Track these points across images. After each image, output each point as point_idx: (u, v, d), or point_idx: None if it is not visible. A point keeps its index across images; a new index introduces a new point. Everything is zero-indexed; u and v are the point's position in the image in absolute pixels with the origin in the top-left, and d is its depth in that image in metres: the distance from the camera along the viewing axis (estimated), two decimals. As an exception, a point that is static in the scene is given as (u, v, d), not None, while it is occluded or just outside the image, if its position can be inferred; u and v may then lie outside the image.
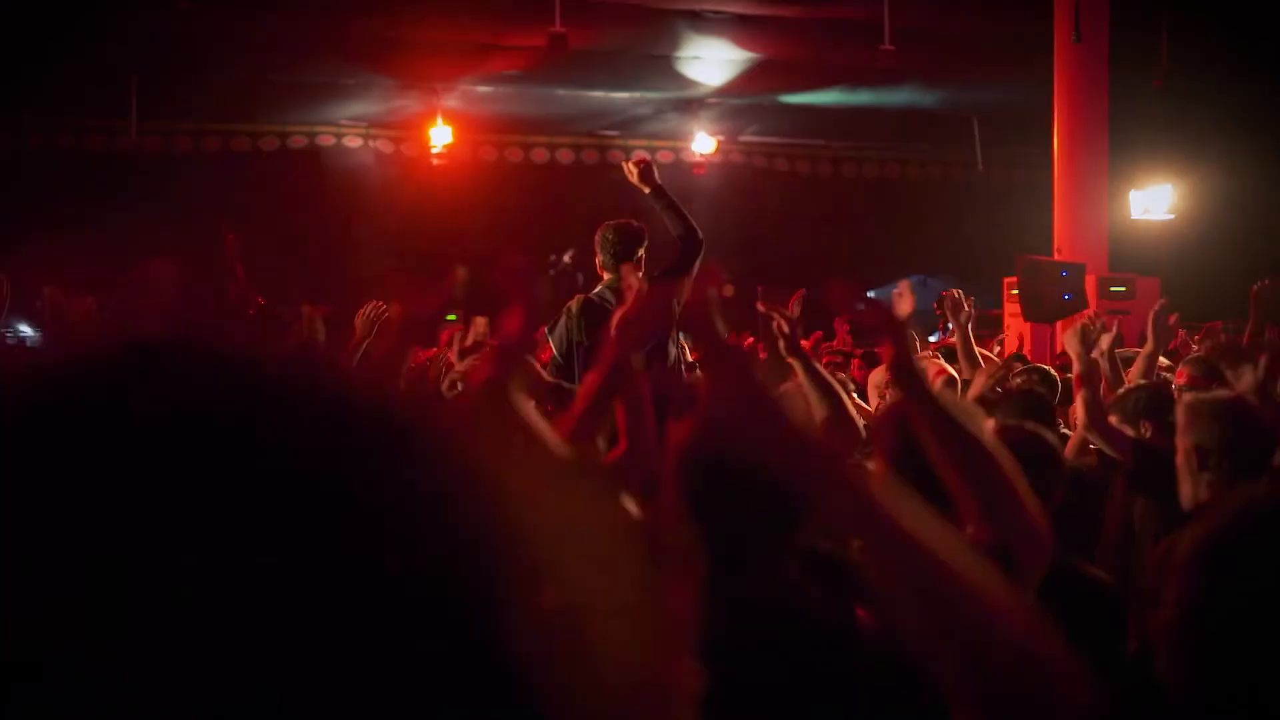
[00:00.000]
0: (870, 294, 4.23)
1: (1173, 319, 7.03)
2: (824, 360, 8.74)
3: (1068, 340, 5.22)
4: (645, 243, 6.21)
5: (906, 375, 2.27)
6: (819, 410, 4.70)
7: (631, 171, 6.15)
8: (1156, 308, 6.53)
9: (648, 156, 6.16)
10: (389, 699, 0.54)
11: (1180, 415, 3.94)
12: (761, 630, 2.24)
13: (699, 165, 22.67)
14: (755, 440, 1.45)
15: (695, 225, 6.29)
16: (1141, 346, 6.63)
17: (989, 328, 16.32)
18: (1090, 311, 7.69)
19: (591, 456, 2.41)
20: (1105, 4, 14.63)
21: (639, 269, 4.73)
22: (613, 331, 2.92)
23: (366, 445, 0.58)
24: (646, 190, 6.36)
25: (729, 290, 3.37)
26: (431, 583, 0.56)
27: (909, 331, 2.29)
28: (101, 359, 0.58)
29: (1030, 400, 4.87)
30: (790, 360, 4.70)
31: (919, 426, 2.27)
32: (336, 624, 0.54)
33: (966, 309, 6.39)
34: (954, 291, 6.68)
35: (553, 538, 0.60)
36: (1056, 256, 14.38)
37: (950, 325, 7.11)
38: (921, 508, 1.44)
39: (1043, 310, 12.95)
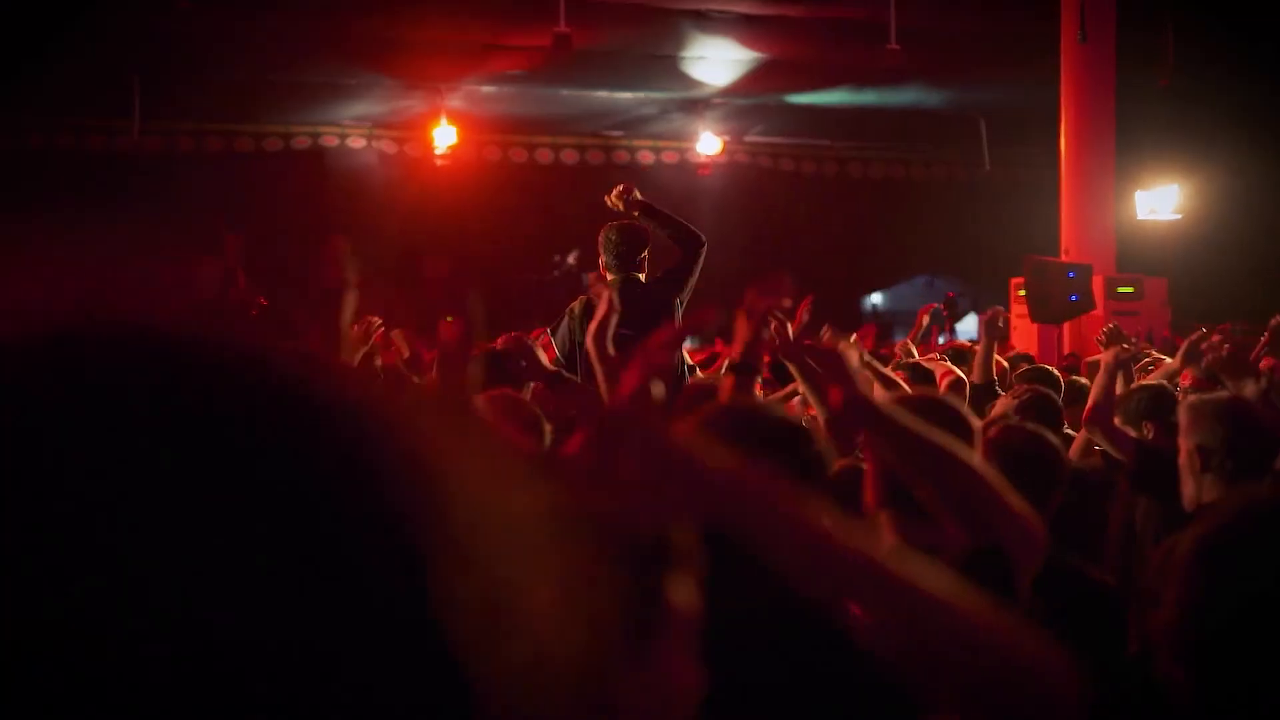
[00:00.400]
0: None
1: (1206, 345, 7.00)
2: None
3: (1106, 365, 5.18)
4: (649, 244, 6.23)
5: (861, 414, 2.28)
6: (819, 414, 4.71)
7: (616, 204, 6.16)
8: (1194, 336, 6.51)
9: (622, 185, 6.17)
10: (314, 675, 0.55)
11: (1182, 416, 3.96)
12: (765, 630, 2.25)
13: (704, 166, 22.68)
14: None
15: (692, 227, 6.31)
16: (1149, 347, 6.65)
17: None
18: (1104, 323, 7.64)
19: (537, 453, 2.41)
20: (1112, 4, 14.64)
21: (604, 279, 4.73)
22: (589, 341, 2.92)
23: (289, 417, 0.59)
24: (635, 214, 6.37)
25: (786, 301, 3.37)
26: (357, 555, 0.57)
27: (855, 372, 2.29)
28: (18, 347, 0.59)
29: (1038, 402, 4.88)
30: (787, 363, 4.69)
31: (886, 454, 2.29)
32: (255, 598, 0.55)
33: (1000, 325, 6.48)
34: (998, 311, 6.77)
35: (489, 524, 0.61)
36: (1063, 257, 14.39)
37: (954, 327, 7.13)
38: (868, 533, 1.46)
39: (1050, 311, 12.97)
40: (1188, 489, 3.88)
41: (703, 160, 22.52)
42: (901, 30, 16.74)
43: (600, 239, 6.18)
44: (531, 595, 0.62)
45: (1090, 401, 5.02)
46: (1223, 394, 4.42)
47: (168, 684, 0.53)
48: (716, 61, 19.53)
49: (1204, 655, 1.85)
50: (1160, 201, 14.79)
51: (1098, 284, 13.60)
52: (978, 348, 7.14)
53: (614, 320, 4.49)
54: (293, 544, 0.56)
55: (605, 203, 6.39)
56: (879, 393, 4.46)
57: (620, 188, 6.19)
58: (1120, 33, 14.73)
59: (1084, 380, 6.87)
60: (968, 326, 20.87)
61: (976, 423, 2.88)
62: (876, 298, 25.59)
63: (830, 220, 23.24)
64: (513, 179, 21.76)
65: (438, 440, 0.63)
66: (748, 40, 18.55)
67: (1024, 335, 14.10)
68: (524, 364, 4.54)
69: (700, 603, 1.48)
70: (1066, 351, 12.87)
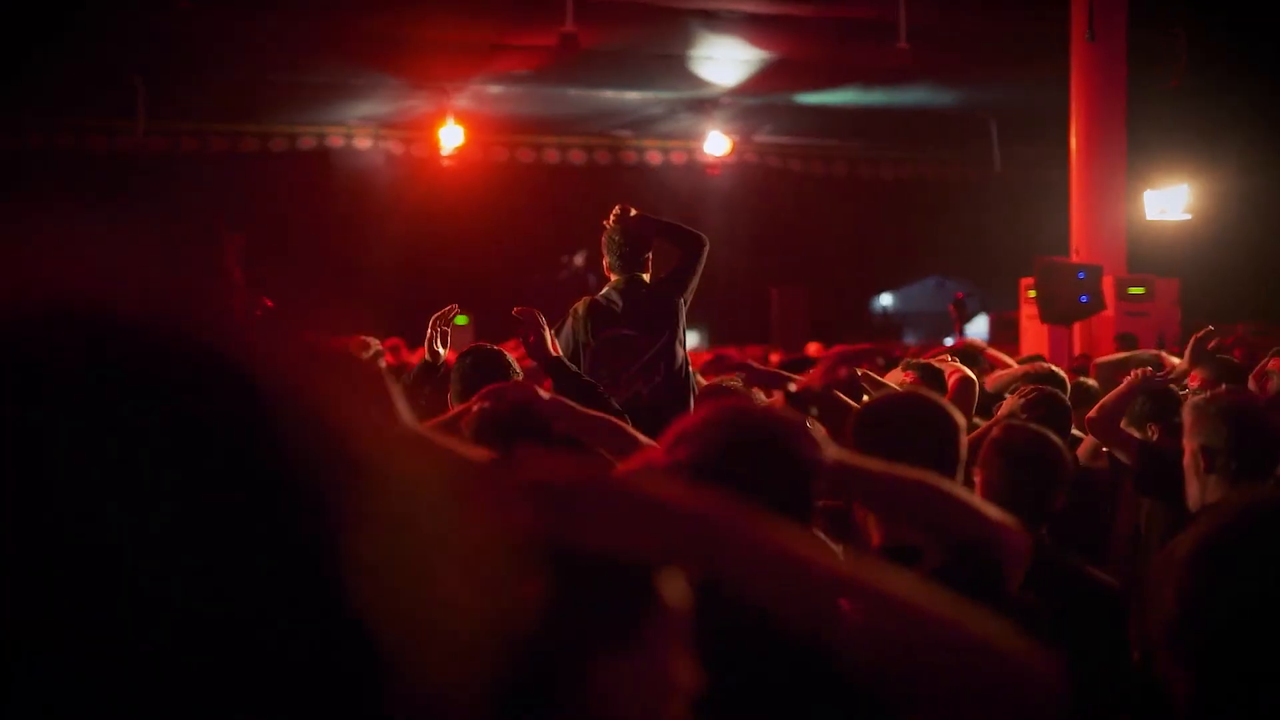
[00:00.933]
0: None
1: (1213, 344, 6.99)
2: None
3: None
4: (652, 243, 6.24)
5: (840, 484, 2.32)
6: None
7: (614, 227, 6.19)
8: (1201, 334, 6.52)
9: (618, 207, 6.20)
10: (223, 627, 0.58)
11: (1187, 416, 3.96)
12: (765, 635, 2.27)
13: (713, 166, 22.71)
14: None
15: (691, 228, 6.32)
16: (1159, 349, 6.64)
17: (1007, 329, 16.35)
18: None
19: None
20: (1123, 3, 14.64)
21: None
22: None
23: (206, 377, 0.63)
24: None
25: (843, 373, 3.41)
26: (265, 514, 0.60)
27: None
28: None
29: (1045, 401, 4.88)
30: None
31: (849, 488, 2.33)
32: (167, 550, 0.58)
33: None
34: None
35: (400, 492, 0.64)
36: (1073, 258, 14.38)
37: (963, 328, 7.12)
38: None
39: (1059, 312, 12.97)
40: (1192, 490, 3.89)
41: (711, 160, 22.52)
42: (911, 29, 16.74)
43: (603, 240, 6.19)
44: (439, 564, 0.65)
45: (1099, 405, 5.04)
46: (1227, 393, 4.43)
47: (85, 632, 0.57)
48: (725, 61, 19.53)
49: (1202, 656, 1.85)
50: (1170, 201, 14.77)
51: (1108, 285, 13.59)
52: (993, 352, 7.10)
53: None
54: (203, 496, 0.59)
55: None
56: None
57: (616, 211, 6.20)
58: (1130, 32, 14.73)
59: (1091, 382, 6.88)
60: (979, 328, 20.90)
61: (960, 419, 2.90)
62: (886, 299, 25.60)
63: (839, 221, 23.26)
64: (520, 179, 21.81)
65: (353, 414, 0.66)
66: (756, 39, 18.55)
67: (1034, 336, 14.09)
68: (531, 339, 4.61)
69: (691, 599, 1.51)
70: (1077, 353, 12.86)
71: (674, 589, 1.50)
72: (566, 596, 1.43)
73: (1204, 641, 1.85)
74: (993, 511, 2.32)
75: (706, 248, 6.18)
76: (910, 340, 19.96)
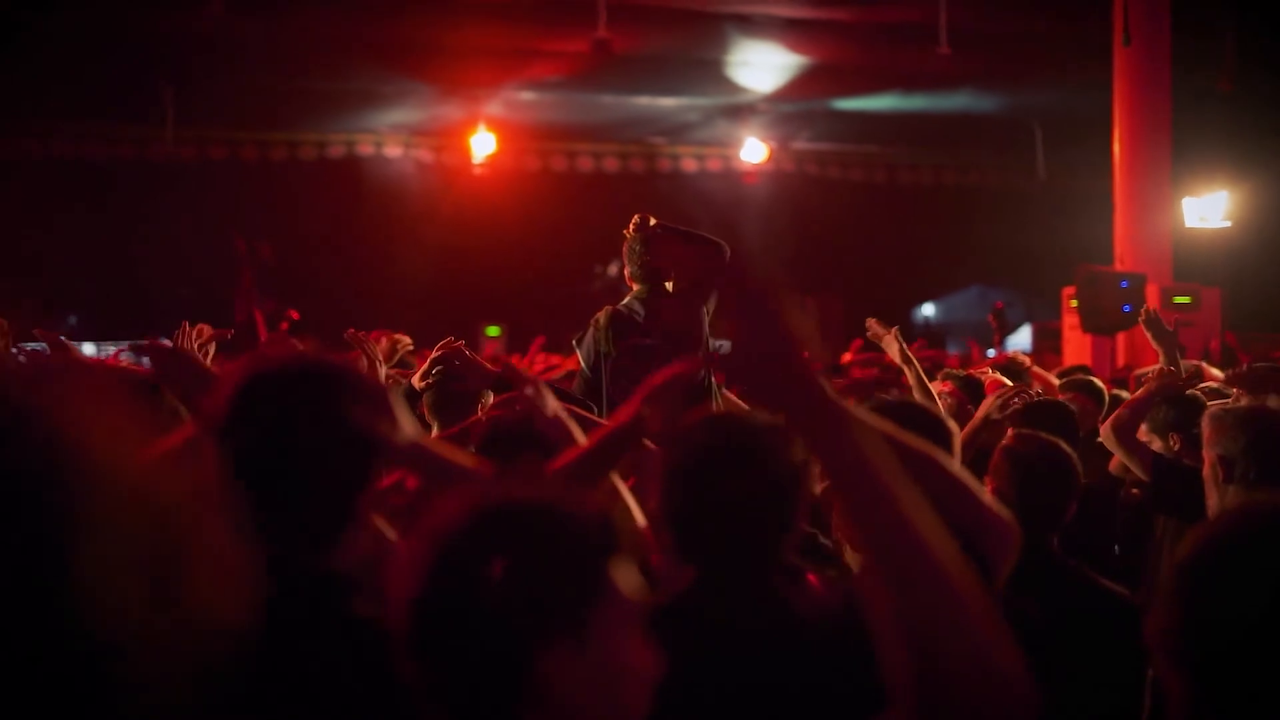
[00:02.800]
0: None
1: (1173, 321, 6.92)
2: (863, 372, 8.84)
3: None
4: (674, 252, 6.33)
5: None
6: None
7: (635, 236, 6.29)
8: (1144, 317, 6.41)
9: (637, 217, 6.30)
10: None
11: (1205, 427, 4.00)
12: (749, 646, 2.35)
13: (749, 173, 22.76)
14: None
15: (712, 236, 6.40)
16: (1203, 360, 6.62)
17: (1050, 339, 16.32)
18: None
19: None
20: (1166, 6, 14.60)
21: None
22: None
23: None
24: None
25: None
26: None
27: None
28: None
29: (1050, 411, 4.91)
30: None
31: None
32: None
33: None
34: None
35: (138, 503, 0.72)
36: (1117, 266, 14.36)
37: (1003, 339, 7.13)
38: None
39: (1102, 322, 12.95)
40: (1211, 500, 3.94)
41: (748, 168, 22.60)
42: (952, 33, 16.75)
43: (624, 249, 6.29)
44: (183, 567, 0.72)
45: (1117, 414, 5.08)
46: (1245, 403, 4.47)
47: None
48: (761, 66, 19.58)
49: (1199, 662, 1.90)
50: (1209, 209, 14.71)
51: (1153, 293, 13.55)
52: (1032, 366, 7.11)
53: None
54: None
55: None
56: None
57: (636, 219, 6.31)
58: (1174, 36, 14.69)
59: (1124, 394, 6.90)
60: (1021, 339, 20.85)
61: (954, 426, 2.98)
62: (928, 309, 25.55)
63: (879, 229, 23.23)
64: (553, 188, 21.87)
65: (88, 430, 0.74)
66: (793, 44, 18.58)
67: (1077, 347, 14.07)
68: (458, 364, 4.59)
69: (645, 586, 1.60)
70: (1120, 364, 12.85)
71: (627, 578, 1.59)
72: (518, 586, 1.53)
73: (1201, 648, 1.90)
74: (988, 498, 2.39)
75: (728, 254, 6.27)
76: (952, 350, 19.93)
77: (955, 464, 2.42)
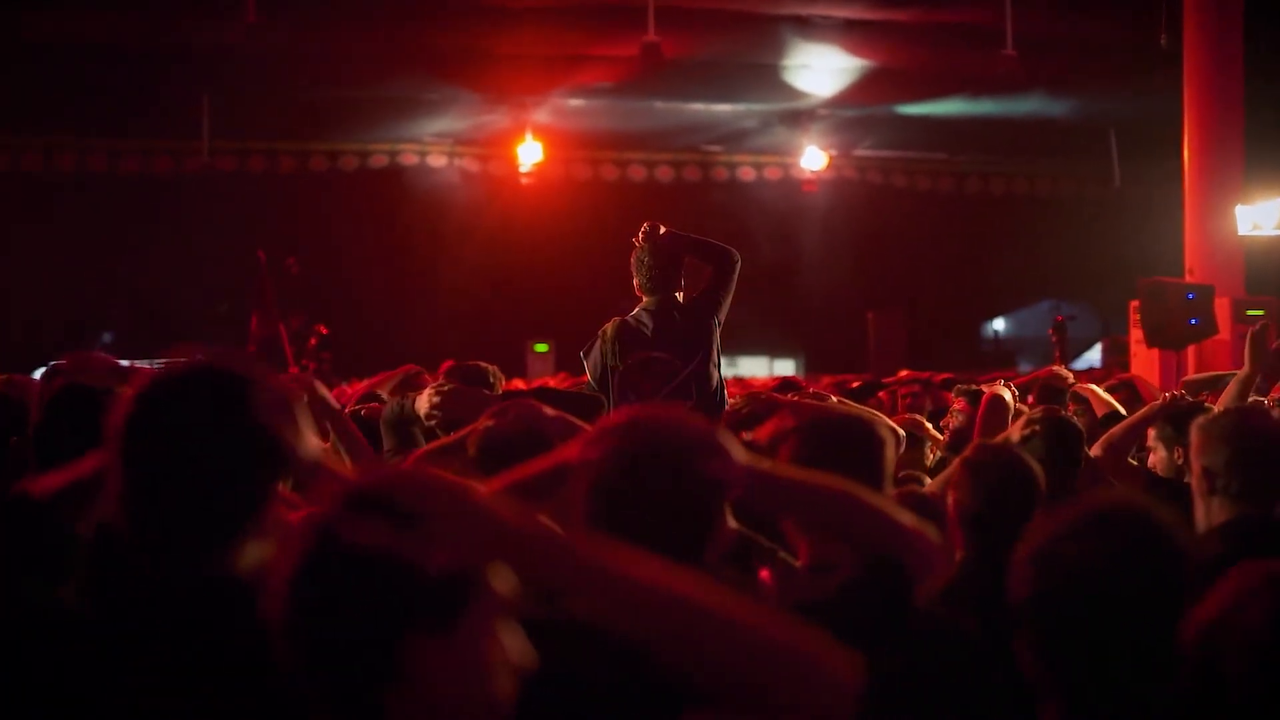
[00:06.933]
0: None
1: (1276, 344, 7.09)
2: (902, 391, 8.99)
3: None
4: (683, 261, 6.53)
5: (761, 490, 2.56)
6: None
7: (643, 246, 6.51)
8: (1256, 327, 6.57)
9: (647, 225, 6.53)
10: None
11: (1193, 436, 4.11)
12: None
13: (809, 182, 22.85)
14: None
15: (722, 245, 6.58)
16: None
17: (1121, 354, 16.27)
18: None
19: None
20: (1239, 9, 14.60)
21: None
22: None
23: None
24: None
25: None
26: None
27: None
28: None
29: (1058, 428, 5.01)
30: None
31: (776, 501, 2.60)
32: None
33: None
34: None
35: None
36: (1187, 277, 14.36)
37: (1065, 352, 7.20)
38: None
39: (1167, 336, 12.96)
40: (1198, 512, 4.05)
41: (808, 176, 22.72)
42: (1020, 36, 16.83)
43: (632, 260, 6.50)
44: None
45: (1105, 437, 5.23)
46: (1234, 411, 4.56)
47: None
48: (821, 70, 19.72)
49: (1042, 641, 2.32)
50: (1263, 216, 14.67)
51: (1224, 306, 13.53)
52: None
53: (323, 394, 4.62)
54: None
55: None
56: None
57: (645, 229, 6.54)
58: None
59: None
60: (1094, 356, 20.79)
61: (885, 435, 3.15)
62: (998, 323, 25.52)
63: (947, 240, 23.28)
64: (603, 198, 21.85)
65: None
66: (854, 47, 18.72)
67: (1144, 362, 14.06)
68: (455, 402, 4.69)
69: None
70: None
71: (500, 575, 1.77)
72: (387, 573, 1.71)
73: (1042, 628, 2.32)
74: (909, 521, 2.58)
75: (739, 264, 6.45)
76: (1025, 367, 19.89)
77: (872, 494, 2.61)
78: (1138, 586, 2.26)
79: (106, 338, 20.54)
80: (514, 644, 1.80)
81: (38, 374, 6.38)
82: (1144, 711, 2.27)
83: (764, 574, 3.11)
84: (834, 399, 5.74)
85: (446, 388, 4.83)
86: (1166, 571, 2.30)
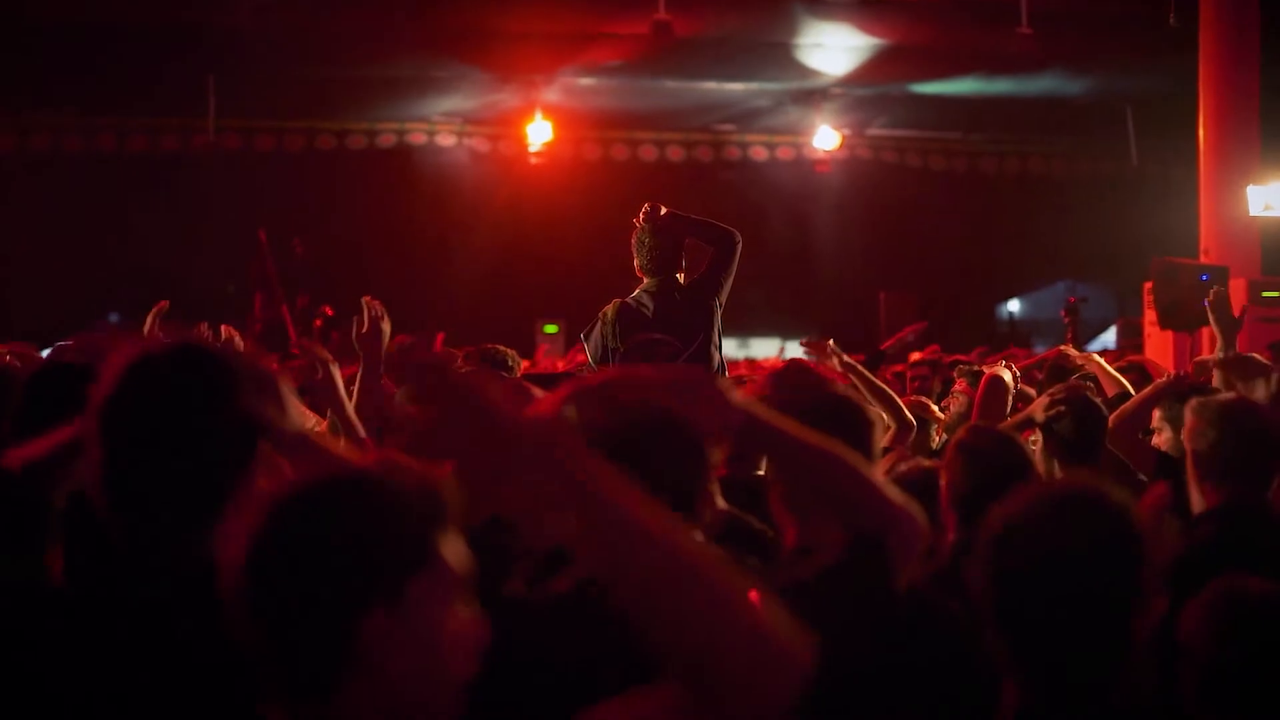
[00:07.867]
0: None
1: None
2: (910, 373, 9.02)
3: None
4: (684, 242, 6.55)
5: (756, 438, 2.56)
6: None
7: (644, 226, 6.53)
8: (1211, 297, 6.52)
9: (648, 205, 6.55)
10: None
11: (1187, 419, 4.15)
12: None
13: (822, 162, 22.81)
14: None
15: (723, 225, 6.61)
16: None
17: (1136, 335, 16.25)
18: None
19: None
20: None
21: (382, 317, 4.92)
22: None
23: None
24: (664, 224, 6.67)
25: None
26: None
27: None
28: None
29: (1087, 407, 5.01)
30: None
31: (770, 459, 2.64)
32: None
33: None
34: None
35: None
36: (1202, 258, 14.33)
37: (1077, 335, 7.21)
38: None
39: (1180, 318, 12.91)
40: (1192, 495, 4.10)
41: (821, 156, 22.66)
42: (1036, 12, 16.78)
43: (632, 242, 6.52)
44: None
45: (1119, 413, 5.25)
46: (1225, 396, 4.59)
47: None
48: (834, 48, 19.64)
49: (1002, 622, 2.46)
50: (1276, 196, 14.63)
51: (1239, 287, 13.49)
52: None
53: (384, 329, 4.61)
54: None
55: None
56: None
57: (645, 209, 6.56)
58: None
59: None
60: (1109, 337, 20.73)
61: (872, 415, 3.17)
62: (1013, 305, 25.49)
63: (961, 220, 23.21)
64: (614, 178, 21.74)
65: None
66: (867, 25, 18.65)
67: (1158, 344, 14.03)
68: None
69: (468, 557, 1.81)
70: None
71: (453, 549, 1.80)
72: (341, 552, 1.74)
73: (1002, 608, 2.46)
74: (897, 496, 2.61)
75: (740, 245, 6.48)
76: (1041, 349, 19.86)
77: (859, 459, 2.62)
78: (1093, 568, 2.36)
79: (114, 318, 20.59)
80: (471, 621, 1.82)
81: (45, 354, 6.42)
82: (1100, 690, 2.34)
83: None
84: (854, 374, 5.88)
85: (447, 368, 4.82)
86: (1122, 554, 2.37)
